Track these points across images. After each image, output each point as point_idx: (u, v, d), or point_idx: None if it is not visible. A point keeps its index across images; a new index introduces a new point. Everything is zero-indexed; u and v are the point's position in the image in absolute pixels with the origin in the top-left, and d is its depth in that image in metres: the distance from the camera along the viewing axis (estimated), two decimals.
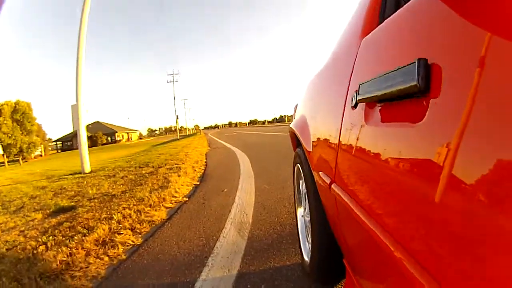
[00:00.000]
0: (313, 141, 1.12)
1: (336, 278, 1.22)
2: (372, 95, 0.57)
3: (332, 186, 0.80)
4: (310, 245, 1.30)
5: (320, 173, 0.95)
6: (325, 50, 1.51)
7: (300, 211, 1.70)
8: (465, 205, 0.31)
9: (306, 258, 1.39)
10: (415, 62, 0.41)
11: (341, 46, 0.96)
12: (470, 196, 0.30)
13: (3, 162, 23.81)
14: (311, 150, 1.13)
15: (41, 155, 33.33)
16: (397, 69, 0.47)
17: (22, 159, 24.40)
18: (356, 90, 0.67)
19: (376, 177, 0.55)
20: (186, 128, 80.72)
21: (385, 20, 0.60)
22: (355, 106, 0.69)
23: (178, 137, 33.35)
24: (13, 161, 25.45)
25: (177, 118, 42.10)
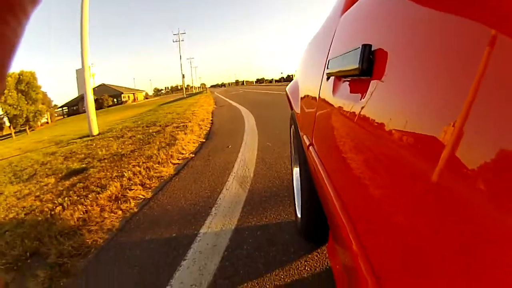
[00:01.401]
0: (300, 105, 1.17)
1: (324, 238, 1.20)
2: (335, 70, 0.61)
3: (310, 148, 0.85)
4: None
5: (304, 135, 1.01)
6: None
7: (296, 170, 1.71)
8: (418, 175, 0.27)
9: (299, 215, 1.44)
10: (359, 48, 0.45)
11: (328, 19, 0.95)
12: (424, 165, 0.26)
13: (10, 134, 23.94)
14: (299, 112, 1.18)
15: (47, 122, 33.32)
16: (348, 52, 0.51)
17: (28, 128, 24.42)
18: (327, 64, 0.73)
19: (339, 146, 0.58)
20: (192, 87, 79.73)
21: None
22: (327, 79, 0.74)
23: (185, 96, 33.15)
24: (19, 131, 25.44)
25: (183, 77, 41.50)
